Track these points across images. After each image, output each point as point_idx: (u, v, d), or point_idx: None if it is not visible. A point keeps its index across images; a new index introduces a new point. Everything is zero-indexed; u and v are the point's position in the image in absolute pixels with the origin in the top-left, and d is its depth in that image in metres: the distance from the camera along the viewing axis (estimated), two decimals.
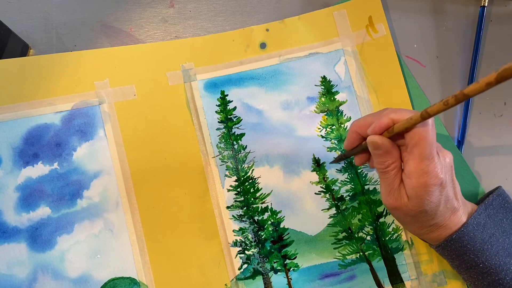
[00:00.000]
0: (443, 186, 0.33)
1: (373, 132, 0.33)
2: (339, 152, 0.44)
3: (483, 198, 0.41)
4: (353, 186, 0.44)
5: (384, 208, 0.43)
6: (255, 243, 0.42)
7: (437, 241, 0.37)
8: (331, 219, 0.43)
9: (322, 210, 0.43)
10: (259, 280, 0.41)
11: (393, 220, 0.43)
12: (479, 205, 0.38)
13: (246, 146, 0.44)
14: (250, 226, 0.42)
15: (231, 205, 0.43)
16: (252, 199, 0.43)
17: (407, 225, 0.37)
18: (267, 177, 0.43)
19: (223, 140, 0.44)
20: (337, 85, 0.45)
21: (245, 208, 0.43)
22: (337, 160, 0.42)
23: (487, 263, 0.36)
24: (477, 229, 0.36)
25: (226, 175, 0.43)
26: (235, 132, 0.44)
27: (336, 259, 0.42)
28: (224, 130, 0.44)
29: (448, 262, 0.39)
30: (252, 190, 0.43)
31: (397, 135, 0.33)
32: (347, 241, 0.43)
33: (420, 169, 0.32)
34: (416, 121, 0.30)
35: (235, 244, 0.42)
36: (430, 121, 0.31)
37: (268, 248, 0.42)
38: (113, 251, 0.41)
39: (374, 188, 0.44)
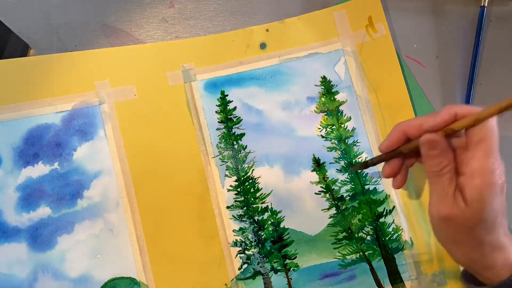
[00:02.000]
0: (503, 190, 0.30)
1: (432, 128, 0.31)
2: (339, 152, 0.44)
3: None
4: (353, 186, 0.44)
5: (384, 208, 0.43)
6: (255, 243, 0.42)
7: (490, 269, 0.32)
8: (331, 219, 0.43)
9: (322, 210, 0.43)
10: (259, 280, 0.41)
11: (393, 220, 0.43)
12: None
13: (246, 146, 0.44)
14: (250, 226, 0.42)
15: (231, 205, 0.43)
16: (252, 199, 0.43)
17: (458, 244, 0.33)
18: (267, 177, 0.43)
19: (223, 140, 0.44)
20: (337, 85, 0.45)
21: (245, 208, 0.43)
22: (361, 167, 0.39)
23: None
24: None
25: (226, 175, 0.43)
26: (235, 132, 0.44)
27: (336, 259, 0.42)
28: (224, 130, 0.44)
29: None
30: (252, 190, 0.43)
31: (452, 134, 0.31)
32: (347, 241, 0.43)
33: (487, 166, 0.29)
34: (488, 116, 0.28)
35: (235, 244, 0.42)
36: (495, 117, 0.29)
37: (268, 248, 0.42)
38: (113, 251, 0.41)
39: (374, 188, 0.44)
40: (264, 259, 0.42)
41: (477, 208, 0.30)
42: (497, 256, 0.32)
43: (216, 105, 0.44)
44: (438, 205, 0.32)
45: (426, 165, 0.32)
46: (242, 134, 0.44)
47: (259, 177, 0.43)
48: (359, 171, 0.44)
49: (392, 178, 0.36)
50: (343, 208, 0.43)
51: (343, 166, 0.44)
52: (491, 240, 0.31)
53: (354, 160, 0.44)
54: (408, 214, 0.43)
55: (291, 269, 0.42)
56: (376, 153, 0.43)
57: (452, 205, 0.31)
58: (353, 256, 0.42)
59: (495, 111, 0.28)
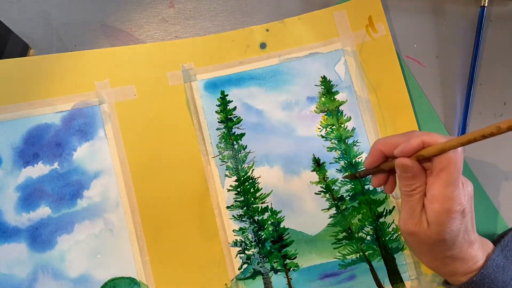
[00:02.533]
0: (464, 214, 0.33)
1: (402, 153, 0.33)
2: (339, 152, 0.44)
3: (498, 239, 0.40)
4: (353, 186, 0.44)
5: (384, 208, 0.43)
6: (255, 243, 0.42)
7: (452, 276, 0.36)
8: (331, 219, 0.43)
9: (322, 210, 0.43)
10: (259, 280, 0.41)
11: (393, 220, 0.43)
12: (495, 245, 0.37)
13: (246, 146, 0.44)
14: (250, 226, 0.42)
15: (231, 205, 0.43)
16: (252, 199, 0.43)
17: (423, 255, 0.36)
18: (267, 177, 0.43)
19: (223, 140, 0.44)
20: (337, 85, 0.45)
21: (245, 208, 0.43)
22: (351, 177, 0.42)
23: None
24: (497, 271, 0.35)
25: (226, 175, 0.43)
26: (235, 132, 0.44)
27: (336, 259, 0.42)
28: (224, 130, 0.44)
29: None
30: (252, 190, 0.43)
31: (425, 159, 0.32)
32: (347, 241, 0.43)
33: (445, 194, 0.31)
34: (451, 147, 0.30)
35: (235, 244, 0.42)
36: (460, 148, 0.31)
37: (268, 248, 0.42)
38: (113, 251, 0.41)
39: (374, 188, 0.44)
40: (264, 259, 0.42)
41: (436, 230, 0.33)
42: (458, 266, 0.35)
43: (216, 105, 0.44)
44: (405, 220, 0.34)
45: (400, 185, 0.35)
46: (242, 134, 0.44)
47: (259, 177, 0.43)
48: (358, 171, 0.44)
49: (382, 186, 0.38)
50: (343, 208, 0.43)
51: (343, 166, 0.44)
52: (452, 254, 0.34)
53: (354, 160, 0.44)
54: None
55: (291, 269, 0.42)
56: None
57: (417, 223, 0.34)
58: (353, 256, 0.42)
59: (458, 144, 0.30)
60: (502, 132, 0.26)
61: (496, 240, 0.42)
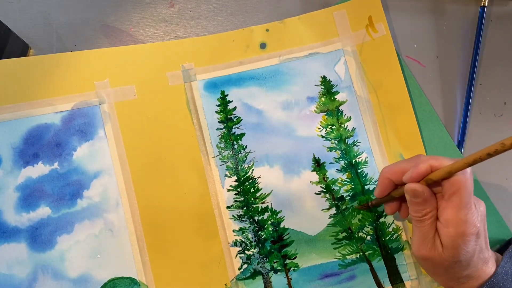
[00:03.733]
0: (479, 235, 0.33)
1: (411, 179, 0.33)
2: (339, 152, 0.44)
3: (505, 245, 0.40)
4: (353, 186, 0.44)
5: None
6: (255, 243, 0.42)
7: None
8: (331, 219, 0.43)
9: (322, 210, 0.43)
10: (259, 280, 0.41)
11: (393, 220, 0.43)
12: (503, 254, 0.37)
13: (246, 146, 0.44)
14: (250, 226, 0.42)
15: (231, 205, 0.43)
16: (252, 199, 0.43)
17: (437, 276, 0.36)
18: (267, 177, 0.43)
19: (223, 140, 0.44)
20: (337, 85, 0.45)
21: (245, 208, 0.43)
22: (363, 208, 0.42)
23: None
24: (506, 278, 0.35)
25: (226, 175, 0.43)
26: (235, 132, 0.44)
27: (336, 259, 0.42)
28: (224, 130, 0.44)
29: None
30: (252, 190, 0.43)
31: (434, 183, 0.32)
32: (347, 241, 0.43)
33: (459, 218, 0.31)
34: (458, 169, 0.30)
35: (235, 244, 0.42)
36: (469, 169, 0.31)
37: (268, 248, 0.42)
38: (113, 251, 0.41)
39: (374, 188, 0.44)
40: (264, 259, 0.42)
41: (451, 253, 0.33)
42: (473, 284, 0.35)
43: (216, 105, 0.44)
44: (418, 245, 0.34)
45: (411, 210, 0.34)
46: (242, 134, 0.44)
47: (259, 177, 0.43)
48: (359, 170, 0.44)
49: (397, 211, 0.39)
50: (343, 208, 0.43)
51: (343, 166, 0.44)
52: (468, 274, 0.34)
53: (354, 160, 0.44)
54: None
55: (291, 269, 0.42)
56: (376, 152, 0.44)
57: (430, 247, 0.34)
58: (353, 256, 0.42)
59: (464, 165, 0.30)
60: (507, 149, 0.26)
61: (503, 246, 0.42)
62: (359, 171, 0.44)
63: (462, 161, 0.30)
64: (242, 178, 0.43)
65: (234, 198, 0.43)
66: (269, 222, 0.43)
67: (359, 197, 0.43)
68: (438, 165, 0.32)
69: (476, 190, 0.44)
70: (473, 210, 0.32)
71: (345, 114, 0.45)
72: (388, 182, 0.36)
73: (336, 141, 0.44)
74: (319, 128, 0.45)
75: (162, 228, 0.42)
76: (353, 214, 0.43)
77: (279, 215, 0.43)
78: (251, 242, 0.42)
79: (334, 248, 0.42)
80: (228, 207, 0.43)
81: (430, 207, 0.33)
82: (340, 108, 0.45)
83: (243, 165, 0.44)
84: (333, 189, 0.44)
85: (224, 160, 0.44)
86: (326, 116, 0.45)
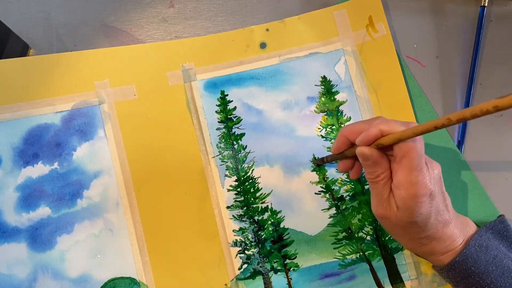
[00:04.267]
0: (433, 197, 0.33)
1: (361, 142, 0.33)
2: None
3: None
4: (353, 186, 0.44)
5: None
6: (255, 243, 0.42)
7: (431, 255, 0.37)
8: (331, 219, 0.43)
9: (322, 210, 0.43)
10: (259, 280, 0.41)
11: None
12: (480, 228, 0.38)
13: (246, 146, 0.44)
14: (250, 226, 0.42)
15: (231, 205, 0.43)
16: (252, 199, 0.43)
17: (398, 236, 0.37)
18: (267, 177, 0.43)
19: (223, 140, 0.44)
20: (337, 85, 0.45)
21: (245, 208, 0.43)
22: (318, 162, 0.43)
23: (493, 286, 0.35)
24: (480, 250, 0.35)
25: (226, 175, 0.43)
26: (235, 132, 0.44)
27: (336, 259, 0.42)
28: (224, 130, 0.44)
29: (452, 286, 0.38)
30: (252, 190, 0.43)
31: (386, 147, 0.33)
32: (347, 241, 0.43)
33: (409, 180, 0.32)
34: (406, 137, 0.30)
35: (235, 244, 0.42)
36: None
37: (268, 248, 0.42)
38: (113, 251, 0.41)
39: None
40: (264, 259, 0.42)
41: (405, 214, 0.33)
42: (435, 246, 0.36)
43: (216, 105, 0.44)
44: (375, 205, 0.36)
45: (365, 172, 0.35)
46: (242, 134, 0.44)
47: (259, 177, 0.43)
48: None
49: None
50: (343, 208, 0.43)
51: None
52: (427, 235, 0.35)
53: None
54: None
55: (291, 269, 0.42)
56: None
57: (386, 207, 0.35)
58: (353, 256, 0.42)
59: (412, 135, 0.30)
60: (452, 123, 0.26)
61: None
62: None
63: (411, 130, 0.30)
64: (242, 178, 0.43)
65: (234, 198, 0.43)
66: (269, 222, 0.43)
67: (359, 197, 0.43)
68: (388, 130, 0.32)
69: (476, 190, 0.44)
70: (425, 173, 0.32)
71: (345, 114, 0.45)
72: (345, 140, 0.36)
73: None
74: (319, 128, 0.45)
75: (162, 228, 0.42)
76: (353, 214, 0.43)
77: (279, 215, 0.43)
78: (251, 242, 0.42)
79: (334, 248, 0.42)
80: (228, 207, 0.43)
81: (382, 169, 0.33)
82: (340, 108, 0.45)
83: (243, 165, 0.44)
84: (333, 189, 0.44)
85: (224, 160, 0.44)
86: (326, 116, 0.45)
